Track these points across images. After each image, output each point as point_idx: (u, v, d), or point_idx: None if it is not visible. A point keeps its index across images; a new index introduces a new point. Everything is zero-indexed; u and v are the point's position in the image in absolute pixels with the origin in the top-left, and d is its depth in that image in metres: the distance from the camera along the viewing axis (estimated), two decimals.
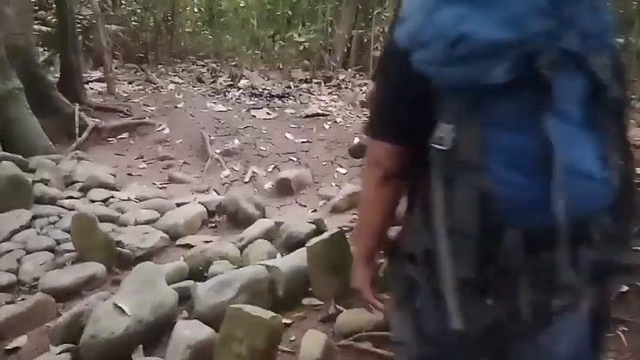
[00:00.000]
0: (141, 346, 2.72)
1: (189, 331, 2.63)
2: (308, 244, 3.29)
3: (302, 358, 2.57)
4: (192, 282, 3.28)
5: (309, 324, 2.97)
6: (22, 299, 3.31)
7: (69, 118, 6.57)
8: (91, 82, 8.86)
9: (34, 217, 4.23)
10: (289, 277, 3.12)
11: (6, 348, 2.87)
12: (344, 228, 3.88)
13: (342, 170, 5.25)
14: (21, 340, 2.92)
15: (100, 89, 8.49)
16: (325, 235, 3.20)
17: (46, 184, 4.78)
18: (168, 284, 3.18)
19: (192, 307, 3.00)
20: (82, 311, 2.87)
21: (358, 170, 5.20)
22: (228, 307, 2.34)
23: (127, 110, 7.24)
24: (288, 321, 2.97)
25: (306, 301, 3.16)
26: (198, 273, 3.49)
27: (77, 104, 6.85)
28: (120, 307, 2.75)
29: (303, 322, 3.00)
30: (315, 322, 2.98)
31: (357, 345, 2.70)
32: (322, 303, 3.12)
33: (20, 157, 5.31)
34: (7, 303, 3.25)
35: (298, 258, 3.28)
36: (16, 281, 3.50)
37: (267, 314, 2.34)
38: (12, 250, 3.80)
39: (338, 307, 3.03)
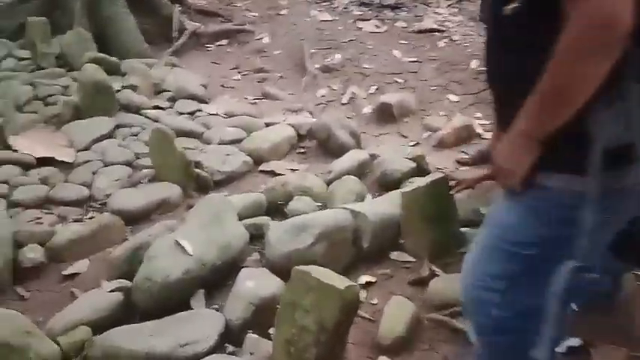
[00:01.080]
0: (202, 291, 2.41)
1: (253, 284, 2.27)
2: (403, 190, 2.80)
3: (382, 333, 2.15)
4: (268, 219, 2.90)
5: (395, 285, 2.54)
6: (91, 217, 3.10)
7: (168, 20, 6.26)
8: None
9: (116, 127, 3.99)
10: (377, 227, 2.65)
11: (64, 273, 2.67)
12: (448, 171, 3.34)
13: (454, 98, 4.54)
14: (81, 266, 2.71)
15: None
16: (425, 180, 2.68)
17: (135, 91, 4.52)
18: (243, 219, 2.83)
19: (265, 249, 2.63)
20: (143, 242, 2.59)
21: (472, 99, 4.51)
22: (293, 269, 1.90)
23: (228, 15, 6.82)
24: (372, 279, 2.55)
25: (395, 255, 2.71)
26: (278, 208, 3.10)
27: (178, 5, 6.51)
28: (181, 245, 2.42)
29: (388, 282, 2.56)
30: (402, 284, 2.54)
31: (452, 322, 2.24)
32: (414, 260, 2.66)
33: (115, 59, 5.10)
34: (75, 220, 3.05)
35: (390, 203, 2.80)
36: (87, 196, 3.29)
37: (342, 282, 1.88)
38: (90, 161, 3.60)
39: (433, 268, 2.56)
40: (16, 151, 3.54)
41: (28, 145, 3.59)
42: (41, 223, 2.94)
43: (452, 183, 2.70)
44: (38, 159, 3.52)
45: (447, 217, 2.67)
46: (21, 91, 4.42)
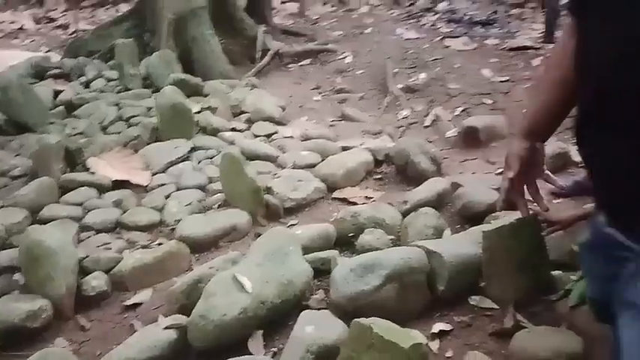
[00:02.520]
0: (260, 332, 2.24)
1: (313, 329, 2.07)
2: (486, 228, 2.50)
3: None
4: (336, 253, 2.71)
5: (473, 336, 2.24)
6: (159, 243, 3.04)
7: (252, 41, 6.32)
8: (286, 2, 8.64)
9: (193, 149, 3.98)
10: (455, 268, 2.37)
11: (126, 304, 2.61)
12: (539, 212, 3.00)
13: None
14: (144, 296, 2.64)
15: (293, 10, 8.19)
16: (512, 218, 2.38)
17: (214, 113, 4.51)
18: (309, 251, 2.65)
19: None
20: (204, 275, 2.47)
21: (569, 122, 4.11)
22: (353, 321, 1.70)
23: (312, 35, 6.78)
24: (447, 327, 2.27)
25: (474, 300, 2.41)
26: (348, 241, 2.90)
27: (263, 26, 6.56)
28: (239, 282, 2.28)
29: (466, 332, 2.27)
30: (482, 335, 2.24)
31: None
32: (497, 307, 2.35)
33: (198, 80, 5.16)
34: (143, 247, 3.00)
35: (471, 241, 2.52)
36: (158, 221, 3.25)
37: (408, 339, 1.65)
38: (164, 185, 3.58)
39: (518, 317, 2.25)
40: (93, 173, 3.58)
41: (106, 167, 3.63)
42: (109, 249, 2.91)
43: (544, 222, 2.39)
44: (114, 182, 3.54)
45: (536, 260, 2.36)
46: (107, 112, 4.53)
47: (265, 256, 2.43)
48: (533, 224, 2.35)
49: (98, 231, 3.12)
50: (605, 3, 1.05)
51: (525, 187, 1.62)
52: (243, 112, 4.65)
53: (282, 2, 8.53)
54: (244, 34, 6.36)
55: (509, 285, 2.34)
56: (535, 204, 2.38)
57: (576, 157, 3.66)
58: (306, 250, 2.64)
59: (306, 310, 2.25)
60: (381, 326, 1.70)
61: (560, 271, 2.43)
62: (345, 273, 2.35)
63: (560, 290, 2.32)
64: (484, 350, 2.10)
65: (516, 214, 2.44)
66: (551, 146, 3.72)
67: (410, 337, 1.68)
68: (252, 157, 3.71)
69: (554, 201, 3.27)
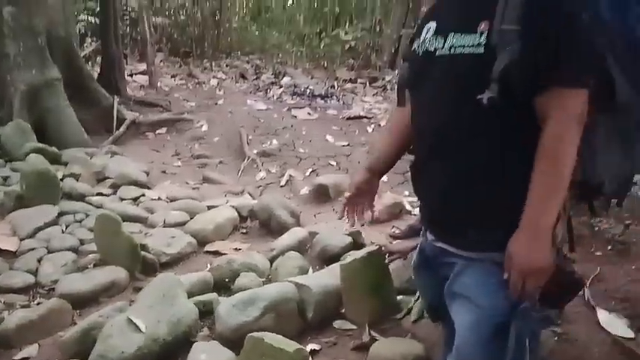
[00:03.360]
0: None
1: (205, 356, 2.38)
2: (342, 262, 3.01)
3: None
4: (215, 295, 3.04)
5: (339, 351, 2.69)
6: (38, 303, 3.12)
7: (107, 111, 6.47)
8: (135, 74, 8.82)
9: (60, 214, 4.06)
10: (320, 298, 2.83)
11: (14, 359, 2.68)
12: (382, 245, 3.59)
13: (384, 178, 4.89)
14: (31, 350, 2.73)
15: (143, 82, 8.41)
16: (362, 253, 2.91)
17: (77, 179, 4.62)
18: (191, 297, 2.94)
19: (214, 324, 2.75)
20: (95, 323, 2.66)
21: (400, 178, 4.87)
22: (248, 336, 2.06)
23: (167, 105, 7.10)
24: (317, 347, 2.70)
25: (337, 324, 2.88)
26: (224, 285, 3.24)
27: (117, 97, 6.74)
28: (134, 323, 2.52)
29: (333, 349, 2.72)
30: (346, 350, 2.70)
31: None
32: (355, 328, 2.84)
33: (54, 149, 5.21)
34: (22, 307, 3.06)
35: (331, 275, 3.00)
36: (34, 283, 3.32)
37: (291, 346, 2.06)
38: (34, 249, 3.64)
39: (373, 333, 2.75)
40: None
41: None
42: None
43: (386, 255, 2.95)
44: None
45: (383, 286, 2.89)
46: None
47: (155, 299, 2.70)
48: (380, 257, 2.90)
49: None
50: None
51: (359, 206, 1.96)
52: (107, 178, 4.80)
53: (130, 75, 8.71)
54: (99, 104, 6.48)
55: (364, 308, 2.85)
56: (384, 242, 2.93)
57: (408, 207, 4.38)
58: (188, 295, 2.93)
59: (198, 342, 2.55)
60: (271, 338, 2.08)
61: (404, 295, 3.00)
62: (228, 308, 2.70)
63: (404, 310, 2.87)
64: None
65: (366, 249, 3.00)
66: (388, 198, 4.42)
67: (293, 344, 2.08)
68: (122, 219, 3.89)
69: (393, 242, 3.91)
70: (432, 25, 1.48)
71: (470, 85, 1.34)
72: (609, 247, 3.40)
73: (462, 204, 1.45)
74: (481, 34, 1.31)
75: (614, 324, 2.62)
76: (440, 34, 1.43)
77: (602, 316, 2.69)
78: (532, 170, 1.31)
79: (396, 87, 1.71)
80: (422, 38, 1.50)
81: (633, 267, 3.12)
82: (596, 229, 3.61)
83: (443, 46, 1.40)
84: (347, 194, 1.92)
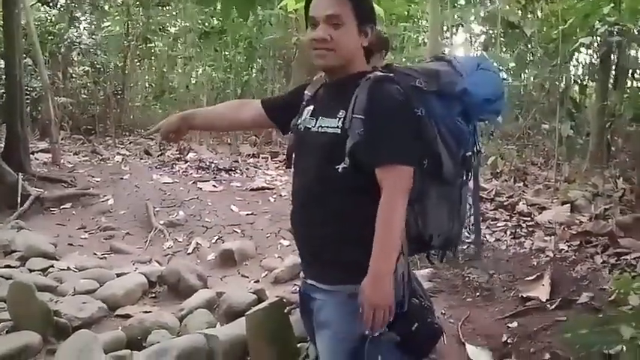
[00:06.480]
0: None
1: None
2: (247, 313, 3.34)
3: None
4: (129, 351, 3.26)
5: None
6: None
7: (11, 188, 6.47)
8: (36, 152, 8.80)
9: None
10: (228, 347, 3.15)
11: None
12: (284, 298, 3.96)
13: (286, 242, 5.35)
14: None
15: (46, 159, 8.43)
16: (264, 304, 3.26)
17: None
18: (105, 353, 3.15)
19: None
20: None
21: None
22: None
23: (72, 180, 7.20)
24: None
25: None
26: (136, 342, 3.47)
27: (21, 174, 6.78)
28: None
29: None
30: None
31: None
32: None
33: None
34: None
35: (238, 327, 3.33)
36: None
37: None
38: None
39: None
40: None
41: None
42: None
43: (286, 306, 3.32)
44: None
45: (285, 334, 3.24)
46: None
47: (73, 355, 2.91)
48: (281, 307, 3.27)
49: None
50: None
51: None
52: (14, 251, 4.88)
53: (32, 153, 8.69)
54: (2, 180, 6.50)
55: (268, 355, 3.17)
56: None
57: None
58: (103, 352, 3.15)
59: None
60: None
61: (303, 343, 3.36)
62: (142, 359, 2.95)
63: (302, 354, 3.22)
64: None
65: (269, 301, 3.36)
66: (290, 260, 4.83)
67: None
68: None
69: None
70: (311, 108, 1.92)
71: (331, 156, 1.74)
72: (477, 294, 4.01)
73: (319, 243, 1.83)
74: (339, 119, 1.76)
75: (480, 356, 3.18)
76: (314, 116, 1.87)
77: (471, 350, 3.24)
78: (375, 215, 1.68)
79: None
80: (303, 117, 1.93)
81: (496, 309, 3.73)
82: (466, 278, 4.23)
83: (315, 125, 1.84)
84: (159, 137, 2.36)
